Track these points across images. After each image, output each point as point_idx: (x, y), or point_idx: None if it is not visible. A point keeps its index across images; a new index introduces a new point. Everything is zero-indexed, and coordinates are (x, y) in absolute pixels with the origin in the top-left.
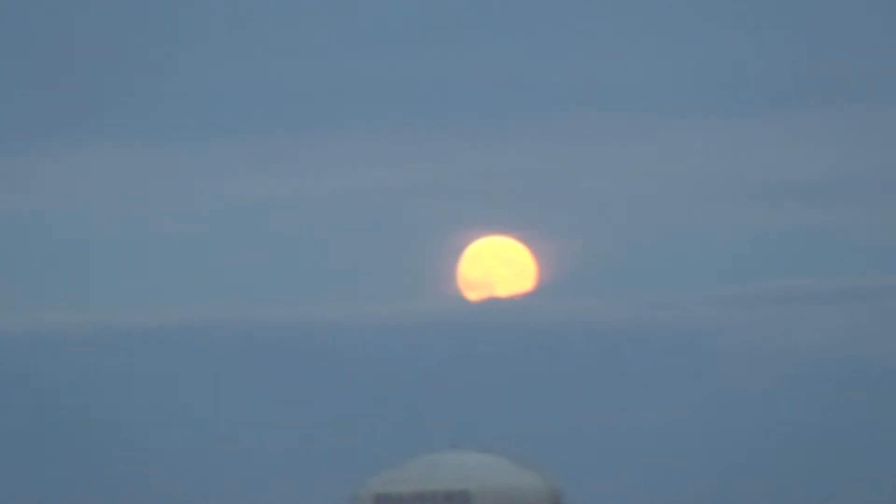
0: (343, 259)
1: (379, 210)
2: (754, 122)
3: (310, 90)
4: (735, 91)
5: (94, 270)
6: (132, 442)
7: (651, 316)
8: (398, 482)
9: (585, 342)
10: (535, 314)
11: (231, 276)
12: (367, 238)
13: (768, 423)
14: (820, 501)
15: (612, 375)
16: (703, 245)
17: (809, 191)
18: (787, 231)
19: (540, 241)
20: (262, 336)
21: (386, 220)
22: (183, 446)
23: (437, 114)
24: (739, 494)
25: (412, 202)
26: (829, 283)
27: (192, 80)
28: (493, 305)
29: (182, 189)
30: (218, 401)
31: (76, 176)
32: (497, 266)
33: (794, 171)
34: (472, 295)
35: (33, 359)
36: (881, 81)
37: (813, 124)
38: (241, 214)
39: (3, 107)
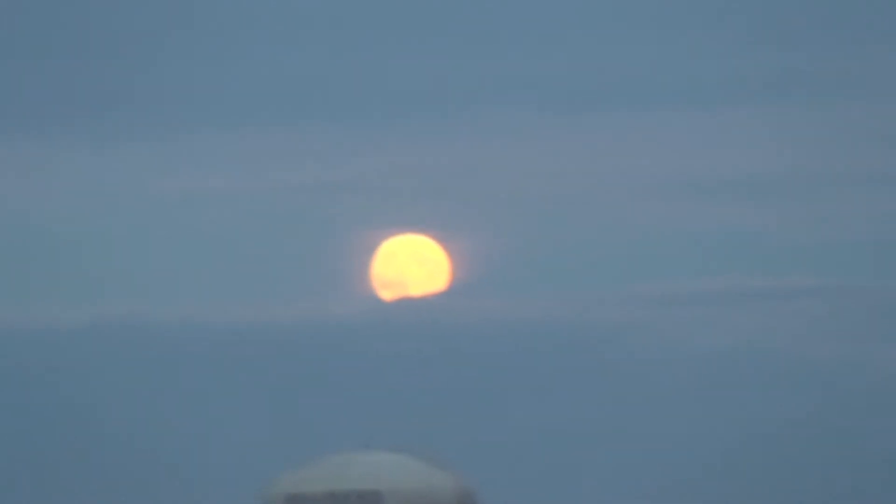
0: (255, 257)
1: (293, 208)
2: (668, 120)
3: (223, 89)
4: (653, 87)
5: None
6: (26, 438)
7: (565, 315)
8: (309, 482)
9: (499, 341)
10: (448, 313)
11: (143, 273)
12: (280, 236)
13: (681, 423)
14: (737, 501)
15: (526, 375)
16: (618, 244)
17: (724, 190)
18: (703, 230)
19: (454, 240)
20: (172, 335)
21: (299, 219)
22: (81, 446)
23: (352, 111)
24: (651, 494)
25: (326, 200)
26: (744, 282)
27: (116, 79)
28: (407, 304)
29: (96, 185)
30: (128, 398)
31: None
32: (411, 265)
33: (710, 170)
34: (386, 294)
35: None
36: (807, 80)
37: (730, 123)
38: (151, 212)
39: None
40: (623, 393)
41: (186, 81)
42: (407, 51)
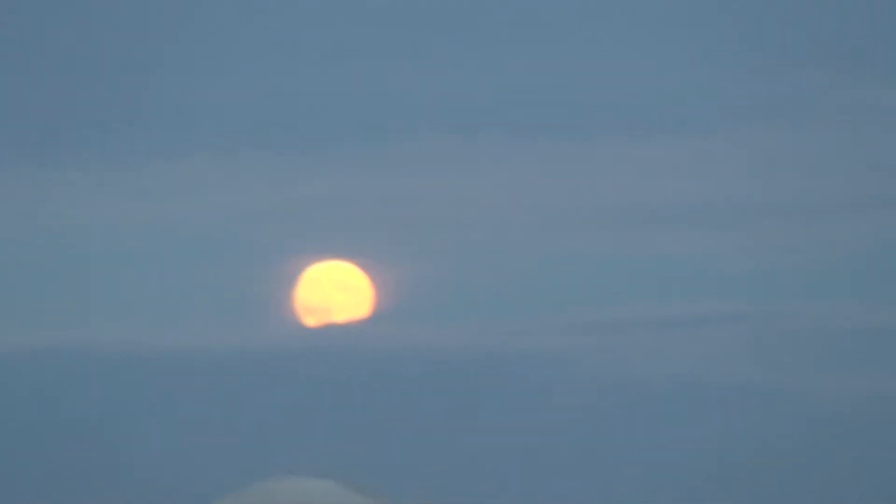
0: (179, 283)
1: (217, 234)
2: (604, 146)
3: (153, 114)
4: (584, 114)
5: None
6: None
7: (493, 342)
8: None
9: (424, 368)
10: (373, 340)
11: (68, 299)
12: (204, 262)
13: (615, 452)
14: None
15: (452, 403)
16: (549, 271)
17: (660, 216)
18: (637, 256)
19: (379, 267)
20: (95, 360)
21: (224, 245)
22: (12, 474)
23: (279, 139)
24: None
25: (250, 227)
26: (679, 308)
27: (52, 101)
28: (331, 331)
29: (29, 211)
30: (46, 426)
31: None
32: (335, 291)
33: (646, 196)
34: (310, 320)
35: None
36: (739, 108)
37: (666, 149)
38: (80, 238)
39: None
40: (550, 420)
41: (115, 107)
42: (339, 76)
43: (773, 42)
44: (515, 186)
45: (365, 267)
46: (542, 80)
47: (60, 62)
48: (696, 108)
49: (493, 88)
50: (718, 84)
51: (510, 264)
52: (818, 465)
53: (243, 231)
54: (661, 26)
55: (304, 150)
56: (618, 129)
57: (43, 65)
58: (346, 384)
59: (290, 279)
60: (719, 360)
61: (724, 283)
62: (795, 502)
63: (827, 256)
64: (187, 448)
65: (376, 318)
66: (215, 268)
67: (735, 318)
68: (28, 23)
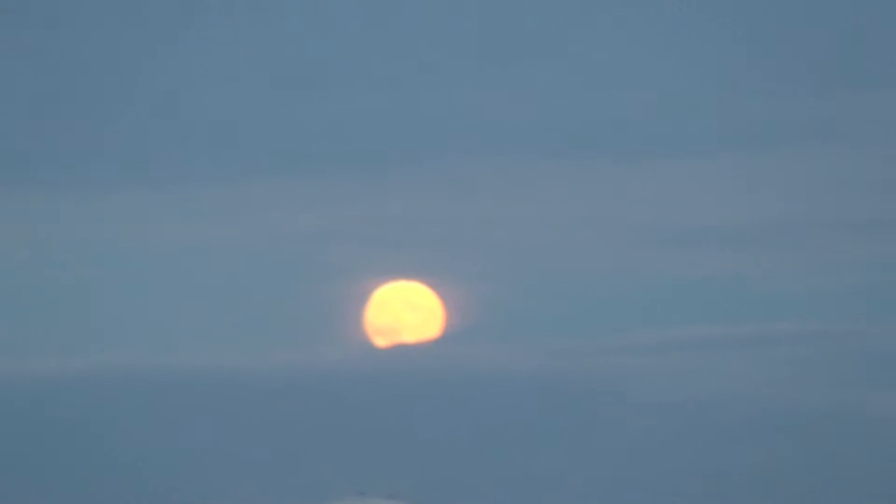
0: (248, 305)
1: (285, 255)
2: (660, 168)
3: (213, 137)
4: (640, 136)
5: None
6: None
7: (559, 363)
8: None
9: (493, 389)
10: (442, 360)
11: (135, 321)
12: (272, 284)
13: (677, 472)
14: None
15: (519, 423)
16: (612, 292)
17: (714, 237)
18: (693, 278)
19: (448, 287)
20: (167, 381)
21: (293, 267)
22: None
23: (344, 159)
24: None
25: (319, 248)
26: (734, 329)
27: (101, 125)
28: (401, 351)
29: (86, 236)
30: (116, 450)
31: None
32: (404, 312)
33: (701, 217)
34: (380, 341)
35: None
36: (789, 129)
37: (720, 170)
38: (143, 261)
39: None
40: (619, 442)
41: (170, 129)
42: (398, 96)
43: (818, 62)
44: (580, 208)
45: (434, 287)
46: (593, 102)
47: (104, 85)
48: (742, 129)
49: (549, 111)
50: (763, 104)
51: (577, 285)
52: (879, 482)
53: (312, 253)
54: (696, 52)
55: (374, 170)
56: (672, 150)
57: (84, 86)
58: (416, 404)
59: (361, 300)
60: (781, 381)
61: (776, 304)
62: None
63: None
64: (258, 469)
65: (446, 338)
66: (285, 290)
67: (788, 338)
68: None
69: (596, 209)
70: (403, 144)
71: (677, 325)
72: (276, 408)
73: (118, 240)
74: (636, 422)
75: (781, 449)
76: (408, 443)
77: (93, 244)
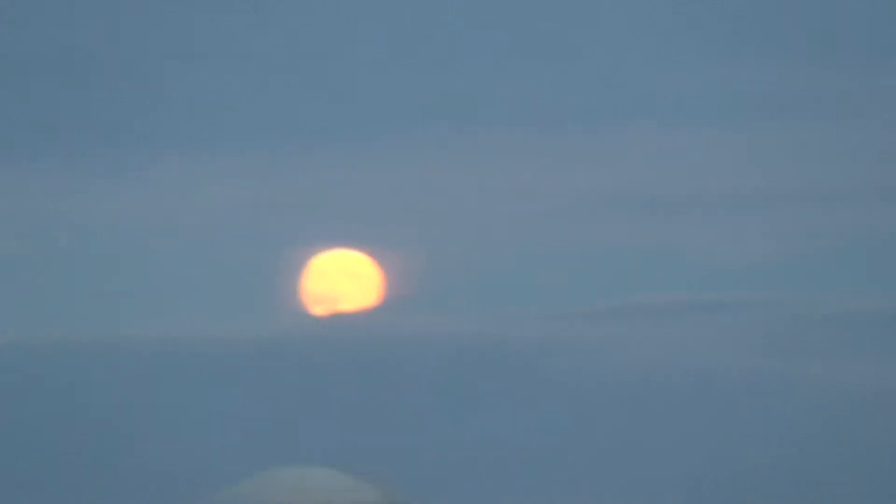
0: (188, 275)
1: (225, 226)
2: (617, 137)
3: (158, 111)
4: (595, 105)
5: None
6: None
7: (496, 331)
8: (237, 499)
9: (432, 357)
10: (380, 328)
11: (72, 291)
12: (211, 253)
13: (611, 438)
14: None
15: (456, 390)
16: (548, 261)
17: (651, 206)
18: (630, 247)
19: (386, 255)
20: (102, 351)
21: (232, 236)
22: (14, 472)
23: (285, 131)
24: None
25: (258, 217)
26: (669, 297)
27: (45, 100)
28: (339, 320)
29: (22, 207)
30: (61, 416)
31: None
32: (343, 280)
33: (640, 186)
34: (318, 309)
35: None
36: (734, 100)
37: (659, 140)
38: (90, 232)
39: None
40: (553, 408)
41: (119, 104)
42: (344, 73)
43: (802, 37)
44: (524, 177)
45: (373, 255)
46: (557, 74)
47: (73, 62)
48: (713, 100)
49: (503, 83)
50: (740, 77)
51: (519, 253)
52: (834, 450)
53: (250, 222)
54: (684, 24)
55: (312, 142)
56: (631, 119)
57: (48, 64)
58: (354, 373)
59: (298, 269)
60: (735, 347)
61: (713, 273)
62: (811, 484)
63: (847, 244)
64: (194, 437)
65: (384, 307)
66: (222, 259)
67: (748, 304)
68: (31, 23)
69: (547, 179)
70: (347, 116)
71: (632, 292)
72: (211, 376)
73: (54, 214)
74: (582, 388)
75: (715, 415)
76: (345, 411)
77: (24, 217)
